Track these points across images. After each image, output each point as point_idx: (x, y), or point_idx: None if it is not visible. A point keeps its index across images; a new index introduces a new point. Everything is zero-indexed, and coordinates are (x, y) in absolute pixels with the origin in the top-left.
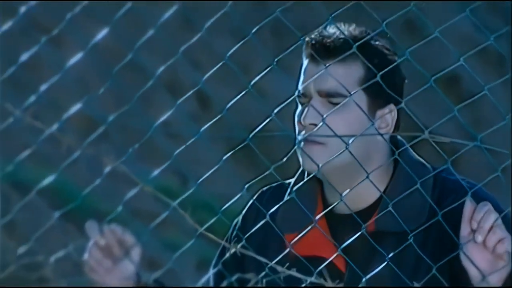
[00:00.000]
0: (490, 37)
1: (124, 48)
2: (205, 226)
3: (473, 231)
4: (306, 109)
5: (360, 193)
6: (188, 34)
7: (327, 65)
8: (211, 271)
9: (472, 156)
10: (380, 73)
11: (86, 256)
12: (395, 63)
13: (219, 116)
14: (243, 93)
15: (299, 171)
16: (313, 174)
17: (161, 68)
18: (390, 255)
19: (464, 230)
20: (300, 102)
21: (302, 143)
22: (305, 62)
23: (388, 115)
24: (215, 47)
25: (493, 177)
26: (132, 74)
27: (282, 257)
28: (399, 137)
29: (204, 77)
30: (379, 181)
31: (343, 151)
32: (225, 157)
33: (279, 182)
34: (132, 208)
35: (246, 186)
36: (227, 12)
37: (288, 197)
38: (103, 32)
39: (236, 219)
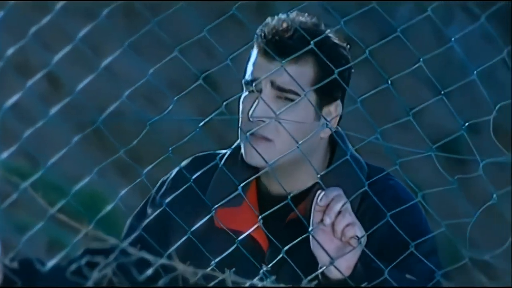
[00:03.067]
0: (340, 20)
1: None
2: (56, 207)
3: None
4: (255, 103)
5: (295, 179)
6: (39, 15)
7: (283, 62)
8: (127, 225)
9: None
10: (337, 70)
11: None
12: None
13: (70, 98)
14: (94, 74)
15: (236, 145)
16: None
17: (11, 50)
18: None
19: (316, 217)
20: (247, 90)
21: (248, 136)
22: (255, 53)
23: (333, 111)
24: (66, 28)
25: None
26: None
27: (208, 228)
28: (339, 129)
29: (55, 59)
30: (313, 172)
31: (292, 150)
32: (75, 139)
33: (216, 152)
34: None
35: (96, 169)
36: None
37: (220, 168)
38: None
39: (163, 177)
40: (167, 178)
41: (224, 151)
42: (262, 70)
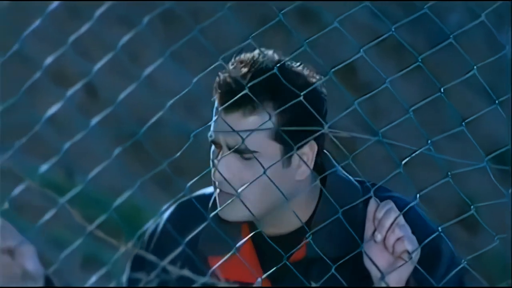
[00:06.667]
0: (391, 27)
1: (10, 38)
2: (95, 224)
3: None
4: (217, 163)
5: (286, 219)
6: (77, 24)
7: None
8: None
9: (372, 151)
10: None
11: None
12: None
13: (111, 109)
14: (134, 85)
15: None
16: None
17: (49, 59)
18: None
19: (368, 230)
20: (212, 143)
21: (218, 191)
22: (216, 102)
23: (308, 151)
24: (104, 36)
25: (396, 173)
26: (19, 65)
27: (207, 279)
28: (328, 154)
29: (95, 68)
30: (305, 206)
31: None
32: (115, 152)
33: (199, 194)
34: (17, 203)
35: (139, 182)
36: (116, 1)
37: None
38: None
39: (146, 228)
40: (154, 232)
41: (209, 191)
42: (219, 125)
